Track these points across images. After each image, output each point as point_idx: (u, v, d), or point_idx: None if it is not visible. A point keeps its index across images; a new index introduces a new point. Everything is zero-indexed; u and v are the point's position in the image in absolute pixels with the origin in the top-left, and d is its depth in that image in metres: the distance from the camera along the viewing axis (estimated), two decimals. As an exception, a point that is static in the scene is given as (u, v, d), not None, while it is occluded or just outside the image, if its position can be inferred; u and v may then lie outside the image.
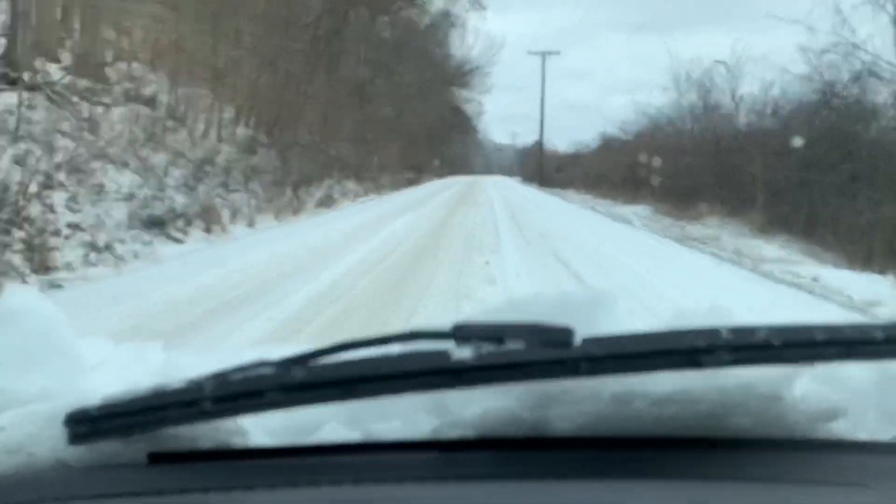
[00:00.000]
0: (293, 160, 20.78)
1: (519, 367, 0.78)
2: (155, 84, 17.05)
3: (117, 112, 14.25)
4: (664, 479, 0.79)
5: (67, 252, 8.81)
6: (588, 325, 0.82)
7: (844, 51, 16.55)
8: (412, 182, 41.95)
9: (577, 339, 0.78)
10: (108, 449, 0.84)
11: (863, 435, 0.95)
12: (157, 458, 0.85)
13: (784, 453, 0.85)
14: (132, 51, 17.27)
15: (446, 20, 47.60)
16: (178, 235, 11.41)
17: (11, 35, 12.69)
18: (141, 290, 7.62)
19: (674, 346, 0.79)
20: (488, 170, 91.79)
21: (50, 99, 12.49)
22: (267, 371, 0.79)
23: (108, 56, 16.33)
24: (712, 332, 0.78)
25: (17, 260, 7.94)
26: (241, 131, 20.29)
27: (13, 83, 11.65)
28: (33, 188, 9.22)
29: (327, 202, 20.81)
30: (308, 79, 24.94)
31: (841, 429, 0.91)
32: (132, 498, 0.77)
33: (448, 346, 0.78)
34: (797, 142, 16.49)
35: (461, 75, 54.95)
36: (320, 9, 26.19)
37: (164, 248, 10.54)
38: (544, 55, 54.64)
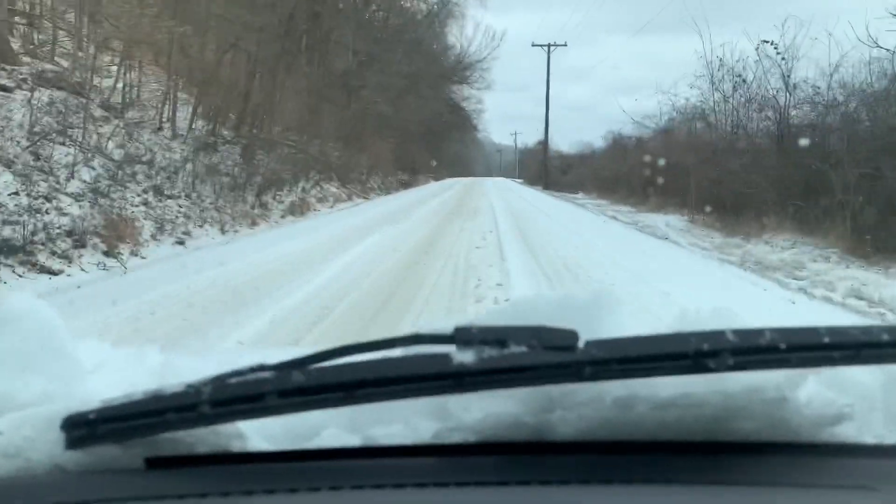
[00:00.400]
0: (261, 159, 18.19)
1: (522, 371, 0.77)
2: (109, 69, 14.96)
3: (22, 97, 11.49)
4: (668, 483, 0.78)
5: None
6: (591, 328, 0.81)
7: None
8: (405, 184, 39.18)
9: (581, 342, 0.77)
10: (105, 453, 0.83)
11: (869, 438, 0.94)
12: (154, 463, 0.84)
13: (789, 457, 0.85)
14: (68, 30, 14.67)
15: (445, 9, 45.62)
16: (54, 264, 8.25)
17: None
18: None
19: (678, 349, 0.78)
20: (488, 171, 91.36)
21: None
22: (266, 375, 0.79)
23: (14, 33, 14.12)
24: (717, 336, 0.78)
25: None
26: (202, 125, 17.61)
27: None
28: None
29: (299, 209, 18.08)
30: (285, 66, 22.29)
31: (847, 432, 0.91)
32: (130, 503, 0.76)
33: (450, 349, 0.77)
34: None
35: (460, 70, 52.90)
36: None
37: (17, 282, 7.47)
38: (549, 47, 50.67)
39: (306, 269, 9.14)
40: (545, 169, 50.50)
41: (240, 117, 19.73)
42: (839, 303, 8.46)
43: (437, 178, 53.41)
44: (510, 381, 0.79)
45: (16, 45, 14.02)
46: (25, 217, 8.59)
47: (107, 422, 0.81)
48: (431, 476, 0.82)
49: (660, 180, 22.39)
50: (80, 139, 11.57)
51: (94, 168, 11.38)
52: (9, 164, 9.62)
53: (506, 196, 32.83)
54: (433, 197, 28.95)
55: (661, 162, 22.14)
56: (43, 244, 8.46)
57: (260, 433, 0.91)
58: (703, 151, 21.34)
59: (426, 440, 0.89)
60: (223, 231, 13.16)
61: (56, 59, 14.54)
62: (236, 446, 0.87)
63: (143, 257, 9.89)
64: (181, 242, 11.32)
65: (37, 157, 10.32)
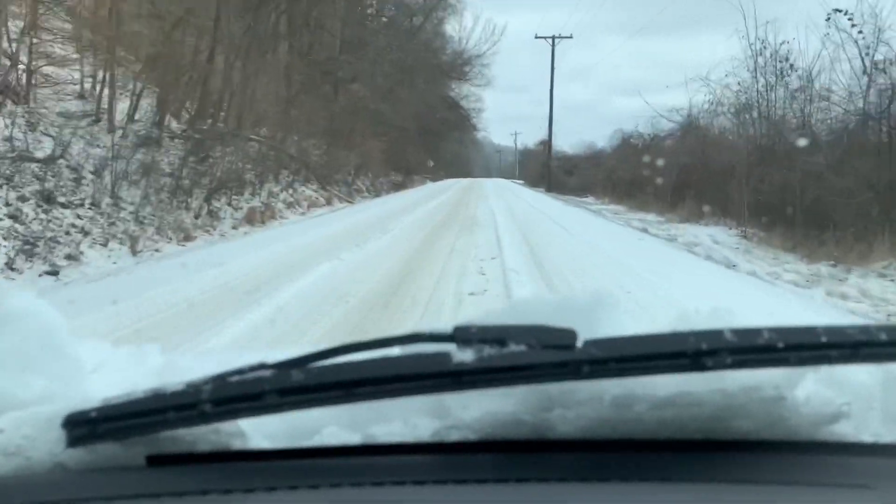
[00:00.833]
0: (219, 158, 15.09)
1: (521, 370, 0.78)
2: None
3: None
4: (666, 482, 0.78)
5: None
6: (590, 328, 0.81)
7: None
8: (398, 186, 36.08)
9: (580, 341, 0.78)
10: (106, 452, 0.83)
11: (866, 437, 0.95)
12: (155, 461, 0.84)
13: (787, 456, 0.85)
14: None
15: (443, 1, 42.68)
16: None
17: None
18: None
19: (676, 348, 0.78)
20: (487, 172, 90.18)
21: None
22: (266, 374, 0.79)
23: None
24: (715, 335, 0.78)
25: None
26: (150, 115, 14.86)
27: None
28: None
29: (260, 217, 15.28)
30: (258, 50, 19.52)
31: (844, 431, 0.91)
32: (130, 501, 0.76)
33: (449, 348, 0.78)
34: None
35: (458, 66, 50.02)
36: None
37: None
38: (553, 39, 46.78)
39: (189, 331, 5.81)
40: (548, 170, 46.27)
41: (199, 108, 16.76)
42: None
43: (434, 179, 50.87)
44: (509, 379, 0.79)
45: None
46: None
47: (108, 420, 0.81)
48: (431, 474, 0.82)
49: (691, 184, 19.49)
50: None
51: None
52: None
53: (507, 200, 29.21)
54: (426, 201, 25.03)
55: (679, 162, 20.49)
56: None
57: (260, 431, 0.92)
58: (759, 149, 17.37)
59: (425, 438, 0.90)
60: (134, 251, 9.83)
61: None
62: (237, 444, 0.88)
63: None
64: (54, 272, 8.11)
65: None
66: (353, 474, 0.81)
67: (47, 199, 9.64)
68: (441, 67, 47.10)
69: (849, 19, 15.04)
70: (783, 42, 18.28)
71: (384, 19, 36.60)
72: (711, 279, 9.80)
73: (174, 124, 16.25)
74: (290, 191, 19.54)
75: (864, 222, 11.94)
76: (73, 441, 0.82)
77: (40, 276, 8.08)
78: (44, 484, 0.81)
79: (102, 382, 0.99)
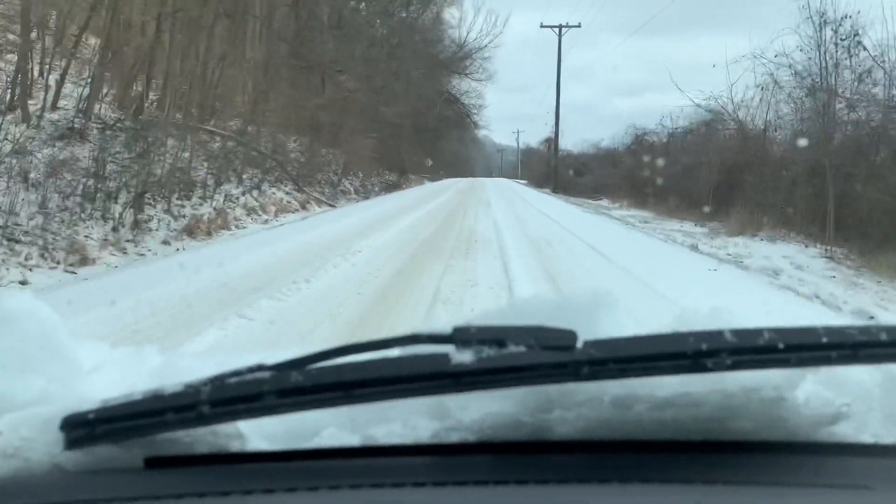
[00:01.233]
0: (157, 153, 12.38)
1: (520, 371, 0.77)
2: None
3: None
4: (666, 482, 0.78)
5: None
6: (589, 328, 0.81)
7: None
8: (392, 187, 32.81)
9: (579, 342, 0.78)
10: (104, 453, 0.83)
11: (866, 438, 0.94)
12: (153, 463, 0.84)
13: (787, 457, 0.85)
14: None
15: None
16: None
17: None
18: None
19: (676, 349, 0.78)
20: (489, 171, 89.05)
21: None
22: (265, 375, 0.79)
23: None
24: (715, 335, 0.78)
25: None
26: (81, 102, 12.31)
27: None
28: None
29: (206, 228, 12.24)
30: (226, 29, 17.17)
31: (844, 432, 0.91)
32: (129, 503, 0.76)
33: (448, 349, 0.77)
34: None
35: (458, 59, 47.54)
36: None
37: None
38: (560, 28, 43.35)
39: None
40: (555, 169, 42.54)
41: (142, 93, 14.18)
42: None
43: (433, 179, 47.27)
44: (509, 380, 0.79)
45: None
46: None
47: (106, 422, 0.81)
48: (430, 475, 0.82)
49: (738, 187, 16.17)
50: None
51: None
52: None
53: (513, 204, 25.38)
54: (418, 205, 21.56)
55: (715, 160, 17.47)
56: None
57: (259, 433, 0.91)
58: (851, 143, 13.34)
59: (425, 440, 0.90)
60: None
61: None
62: (235, 446, 0.88)
63: None
64: None
65: None
66: (352, 476, 0.80)
67: None
68: (438, 59, 44.38)
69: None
70: (845, 17, 15.34)
71: (377, 6, 34.15)
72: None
73: (110, 113, 13.43)
74: (256, 193, 16.48)
75: None
76: (72, 443, 0.82)
77: None
78: (42, 486, 0.81)
79: (101, 384, 0.99)
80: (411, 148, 41.13)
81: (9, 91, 10.80)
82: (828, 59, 15.75)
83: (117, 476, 0.82)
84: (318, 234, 12.93)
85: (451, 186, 37.47)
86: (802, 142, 14.96)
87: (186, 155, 13.86)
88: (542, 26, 44.76)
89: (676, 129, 25.96)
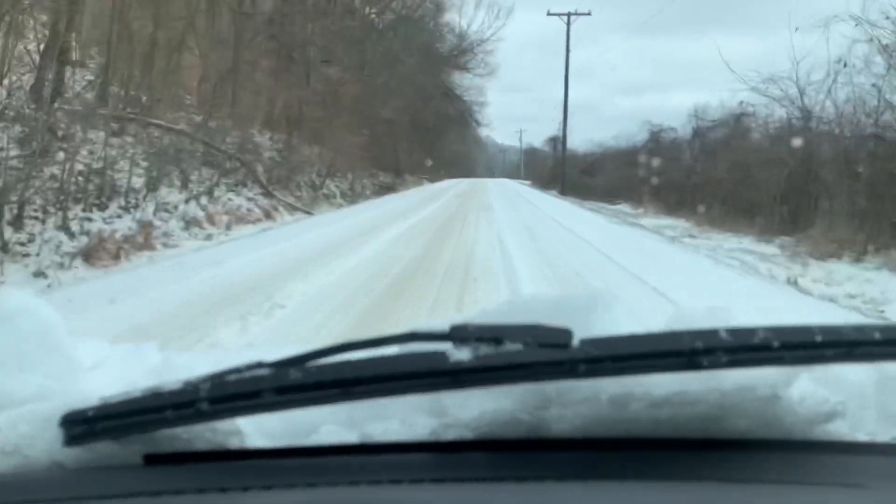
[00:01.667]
0: (69, 150, 10.10)
1: (517, 369, 0.78)
2: None
3: None
4: (662, 480, 0.79)
5: None
6: (586, 327, 0.82)
7: None
8: (386, 189, 29.80)
9: (576, 340, 0.78)
10: (103, 450, 0.83)
11: (861, 436, 0.95)
12: (152, 460, 0.84)
13: (782, 455, 0.85)
14: None
15: None
16: None
17: None
18: None
19: (672, 347, 0.78)
20: (490, 172, 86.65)
21: None
22: (263, 372, 0.79)
23: None
24: (711, 334, 0.78)
25: None
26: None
27: None
28: None
29: (117, 250, 9.43)
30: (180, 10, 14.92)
31: (840, 430, 0.91)
32: (128, 499, 0.77)
33: (446, 347, 0.78)
34: None
35: (459, 53, 44.39)
36: None
37: None
38: (569, 16, 40.27)
39: None
40: (563, 170, 38.63)
41: (62, 76, 11.50)
42: None
43: (432, 180, 44.49)
44: (506, 378, 0.80)
45: None
46: None
47: (105, 419, 0.82)
48: (428, 472, 0.83)
49: (825, 194, 12.72)
50: None
51: None
52: None
53: (520, 211, 21.77)
54: (409, 212, 18.61)
55: (772, 158, 14.00)
56: None
57: (258, 430, 0.92)
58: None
59: (423, 437, 0.90)
60: None
61: None
62: (234, 443, 0.88)
63: None
64: None
65: None
66: (350, 473, 0.81)
67: None
68: (436, 51, 41.46)
69: None
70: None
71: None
72: None
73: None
74: (206, 200, 13.50)
75: None
76: (71, 440, 0.83)
77: None
78: (41, 482, 0.81)
79: (100, 381, 0.99)
80: (408, 147, 38.30)
81: None
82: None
83: (116, 473, 0.83)
84: (254, 261, 9.55)
85: (451, 188, 34.91)
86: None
87: (114, 153, 11.15)
88: (549, 14, 41.78)
89: (704, 123, 22.48)
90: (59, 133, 10.40)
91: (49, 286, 7.74)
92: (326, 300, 7.31)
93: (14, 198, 8.32)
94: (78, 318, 6.08)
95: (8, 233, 8.08)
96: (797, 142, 15.15)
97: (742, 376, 0.84)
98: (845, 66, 14.41)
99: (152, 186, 12.13)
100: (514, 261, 10.08)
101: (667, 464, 0.82)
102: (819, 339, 0.80)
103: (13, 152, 8.97)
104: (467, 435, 0.88)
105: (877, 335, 0.81)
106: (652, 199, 23.03)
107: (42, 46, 11.71)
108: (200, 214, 12.85)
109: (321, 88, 23.48)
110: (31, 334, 0.97)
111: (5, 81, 11.05)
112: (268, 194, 16.82)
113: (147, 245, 10.20)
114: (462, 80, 48.38)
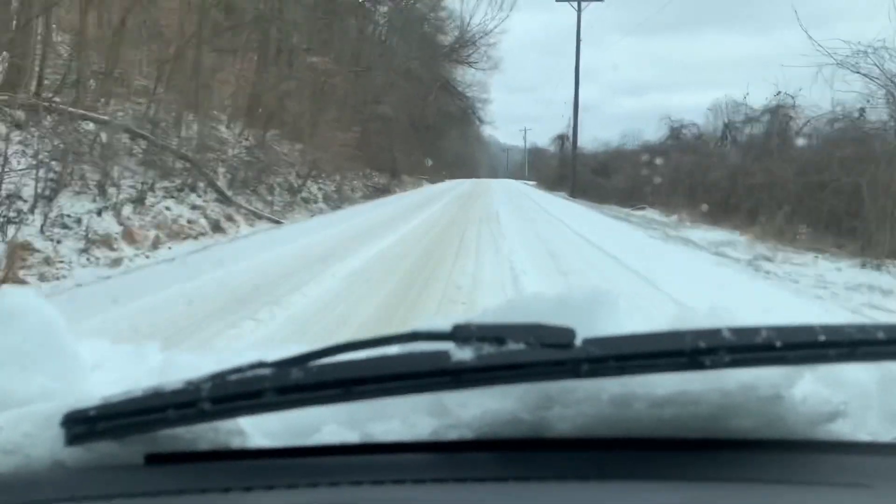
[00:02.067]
0: None
1: (519, 368, 0.78)
2: None
3: None
4: (664, 480, 0.79)
5: None
6: (588, 326, 0.81)
7: None
8: (380, 191, 27.44)
9: (578, 339, 0.78)
10: (105, 450, 0.83)
11: (864, 436, 0.95)
12: (154, 460, 0.84)
13: (785, 454, 0.85)
14: None
15: None
16: None
17: None
18: None
19: (675, 347, 0.78)
20: (494, 172, 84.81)
21: None
22: (265, 372, 0.79)
23: None
24: (713, 333, 0.78)
25: None
26: None
27: None
28: None
29: None
30: None
31: (842, 430, 0.91)
32: (129, 499, 0.77)
33: (448, 346, 0.78)
34: None
35: (461, 46, 41.73)
36: None
37: None
38: (580, 3, 36.80)
39: None
40: (574, 169, 34.93)
41: None
42: None
43: (433, 180, 42.09)
44: (508, 378, 0.80)
45: None
46: None
47: (107, 418, 0.82)
48: (430, 472, 0.82)
49: None
50: None
51: None
52: None
53: (530, 216, 18.89)
54: (398, 221, 15.71)
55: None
56: None
57: (259, 430, 0.92)
58: None
59: (424, 437, 0.90)
60: None
61: None
62: (236, 443, 0.88)
63: None
64: None
65: None
66: (352, 473, 0.81)
67: None
68: (435, 42, 39.01)
69: None
70: None
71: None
72: None
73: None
74: (133, 209, 10.82)
75: None
76: (72, 439, 0.83)
77: None
78: (43, 482, 0.81)
79: (102, 380, 1.00)
80: (406, 146, 35.74)
81: None
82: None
83: (118, 472, 0.83)
84: (134, 313, 6.43)
85: (451, 190, 32.31)
86: None
87: (12, 150, 9.08)
88: (557, 0, 38.49)
89: (734, 116, 19.42)
90: None
91: None
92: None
93: None
94: None
95: None
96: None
97: (744, 376, 0.83)
98: None
99: (47, 195, 9.19)
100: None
101: (669, 463, 0.82)
102: (821, 338, 0.80)
103: None
104: (469, 435, 0.88)
105: (880, 335, 0.81)
106: (682, 203, 19.56)
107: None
108: (116, 230, 9.84)
109: (306, 79, 20.83)
110: (33, 334, 0.97)
111: None
112: (225, 200, 14.04)
113: (10, 277, 7.33)
114: (464, 76, 46.61)
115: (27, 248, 8.16)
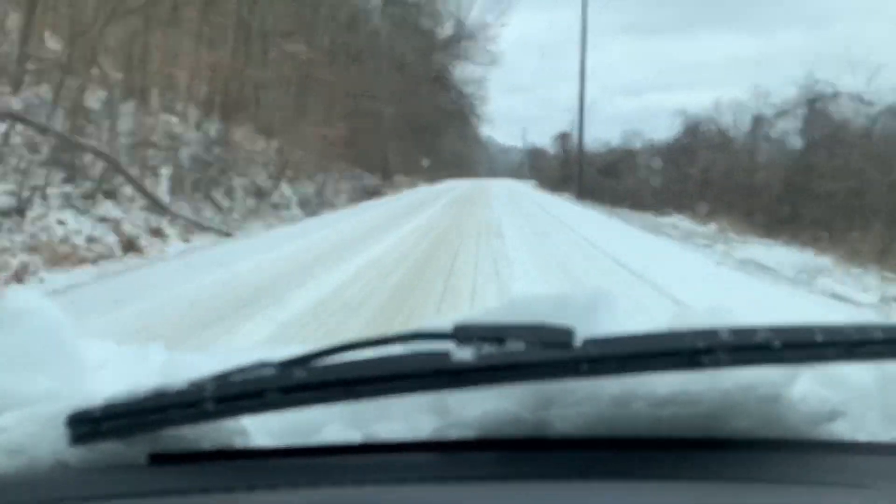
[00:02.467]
0: None
1: (520, 368, 0.78)
2: None
3: None
4: (664, 480, 0.79)
5: None
6: (588, 326, 0.82)
7: None
8: (370, 193, 25.14)
9: (578, 339, 0.78)
10: (109, 450, 0.84)
11: (863, 436, 0.95)
12: (158, 459, 0.85)
13: (784, 454, 0.85)
14: None
15: None
16: None
17: None
18: None
19: (674, 346, 0.79)
20: (493, 172, 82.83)
21: None
22: (268, 372, 0.80)
23: None
24: (712, 333, 0.79)
25: None
26: None
27: None
28: None
29: None
30: None
31: (841, 430, 0.91)
32: (133, 499, 0.77)
33: (449, 346, 0.78)
34: None
35: (459, 39, 40.08)
36: None
37: None
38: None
39: None
40: (580, 169, 32.00)
41: None
42: None
43: (429, 181, 39.37)
44: (508, 377, 0.80)
45: None
46: None
47: (111, 418, 0.82)
48: (431, 471, 0.83)
49: None
50: None
51: None
52: None
53: (541, 228, 15.33)
54: (381, 232, 13.29)
55: None
56: None
57: (262, 429, 0.92)
58: None
59: (426, 436, 0.90)
60: None
61: None
62: (239, 442, 0.88)
63: None
64: None
65: None
66: (354, 472, 0.81)
67: None
68: (431, 34, 36.59)
69: None
70: None
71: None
72: None
73: None
74: (8, 224, 8.27)
75: None
76: (76, 439, 0.83)
77: None
78: (47, 482, 0.82)
79: (105, 381, 1.00)
80: (401, 144, 33.46)
81: None
82: None
83: (122, 472, 0.83)
84: None
85: (448, 192, 29.65)
86: None
87: None
88: None
89: (762, 111, 17.03)
90: None
91: None
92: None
93: None
94: None
95: None
96: None
97: (744, 376, 0.84)
98: None
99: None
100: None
101: (668, 463, 0.82)
102: (820, 338, 0.80)
103: None
104: (470, 434, 0.89)
105: (879, 334, 0.81)
106: (721, 210, 16.39)
107: None
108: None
109: (286, 67, 18.50)
110: (38, 334, 0.97)
111: None
112: (158, 209, 11.47)
113: None
114: (462, 73, 44.49)
115: None
